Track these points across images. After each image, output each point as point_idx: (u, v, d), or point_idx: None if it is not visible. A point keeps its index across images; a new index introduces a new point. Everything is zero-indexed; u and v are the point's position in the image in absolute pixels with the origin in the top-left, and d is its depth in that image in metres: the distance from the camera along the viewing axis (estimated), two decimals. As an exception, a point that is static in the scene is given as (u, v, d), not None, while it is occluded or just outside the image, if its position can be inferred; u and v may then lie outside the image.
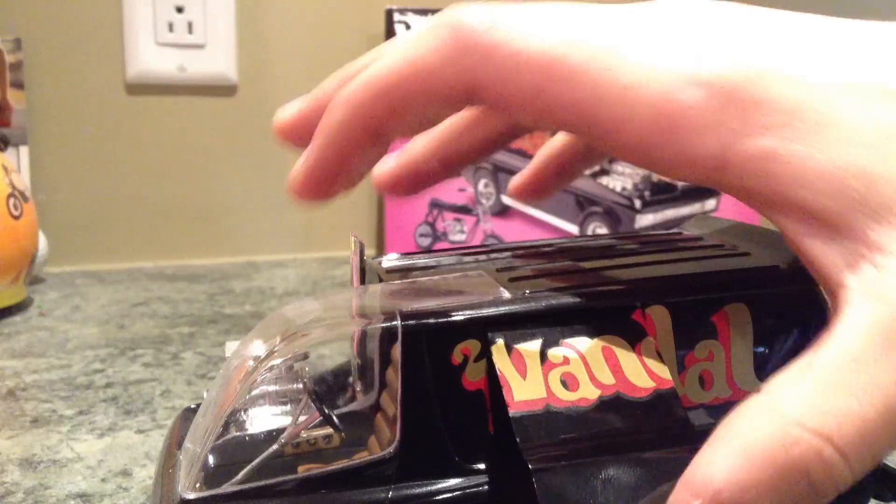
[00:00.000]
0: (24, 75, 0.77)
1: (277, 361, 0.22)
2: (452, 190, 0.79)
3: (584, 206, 0.78)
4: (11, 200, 0.59)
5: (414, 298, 0.22)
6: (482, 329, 0.21)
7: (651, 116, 0.18)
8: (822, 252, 0.17)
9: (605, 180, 0.77)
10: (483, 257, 0.27)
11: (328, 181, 0.22)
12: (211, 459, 0.23)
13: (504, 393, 0.21)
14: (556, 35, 0.18)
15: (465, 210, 0.79)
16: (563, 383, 0.21)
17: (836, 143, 0.17)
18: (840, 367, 0.16)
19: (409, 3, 0.81)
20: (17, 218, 0.59)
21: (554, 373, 0.21)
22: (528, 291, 0.22)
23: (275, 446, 0.23)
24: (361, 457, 0.22)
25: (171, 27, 0.80)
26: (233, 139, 0.84)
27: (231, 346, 0.25)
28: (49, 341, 0.54)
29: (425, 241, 0.79)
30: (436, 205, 0.79)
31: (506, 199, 0.79)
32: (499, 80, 0.19)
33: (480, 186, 0.79)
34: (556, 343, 0.22)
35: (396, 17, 0.80)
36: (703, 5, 0.19)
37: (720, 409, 0.23)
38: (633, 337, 0.22)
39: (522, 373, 0.21)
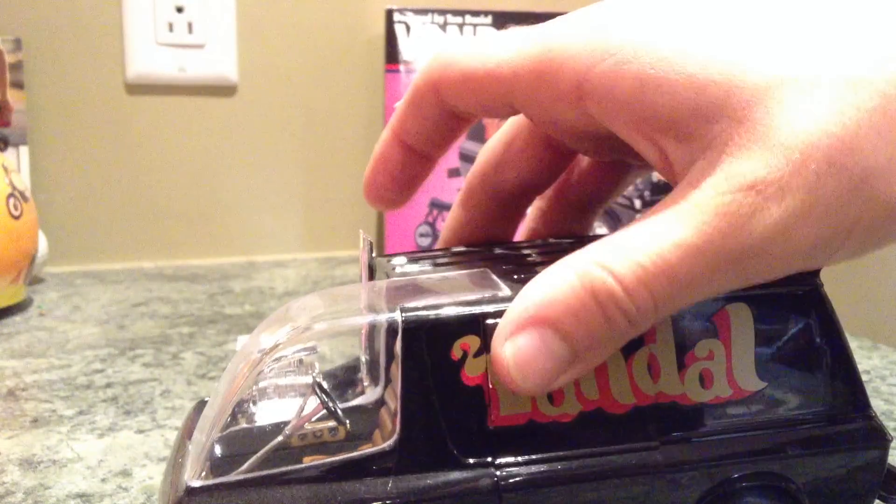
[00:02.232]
0: (24, 75, 0.77)
1: (285, 353, 0.23)
2: (452, 190, 0.79)
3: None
4: (11, 200, 0.59)
5: (416, 294, 0.23)
6: (481, 325, 0.22)
7: (532, 65, 0.22)
8: (672, 152, 0.20)
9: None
10: (489, 255, 0.27)
11: (378, 184, 0.27)
12: (218, 449, 0.23)
13: (490, 408, 0.22)
14: (482, 41, 0.24)
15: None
16: (550, 398, 0.22)
17: (672, 58, 0.20)
18: (644, 224, 0.19)
19: (409, 3, 0.81)
20: (17, 218, 0.59)
21: None
22: None
23: (280, 437, 0.23)
24: (365, 449, 0.22)
25: (171, 27, 0.80)
26: (233, 139, 0.84)
27: (242, 340, 0.25)
28: (49, 341, 0.54)
29: (425, 241, 0.79)
30: (436, 205, 0.79)
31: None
32: (446, 74, 0.24)
33: (480, 186, 0.79)
34: None
35: (396, 17, 0.80)
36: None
37: (721, 408, 0.23)
38: (630, 345, 0.22)
39: None
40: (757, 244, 0.18)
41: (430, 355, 0.22)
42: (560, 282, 0.19)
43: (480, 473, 0.21)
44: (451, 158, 0.80)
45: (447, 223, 0.30)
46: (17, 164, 0.76)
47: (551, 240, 0.30)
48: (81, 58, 0.79)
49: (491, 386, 0.22)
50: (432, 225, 0.79)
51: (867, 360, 0.49)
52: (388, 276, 0.25)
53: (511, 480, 0.22)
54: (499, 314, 0.22)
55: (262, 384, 0.25)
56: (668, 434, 0.23)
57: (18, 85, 0.77)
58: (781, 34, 0.20)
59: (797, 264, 0.20)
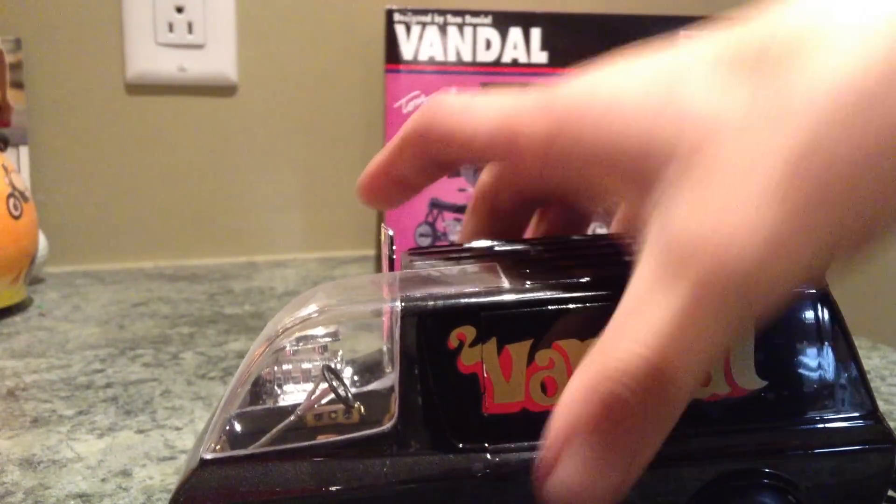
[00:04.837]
0: (24, 75, 0.77)
1: (289, 339, 0.25)
2: (452, 190, 0.79)
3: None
4: (11, 200, 0.59)
5: (421, 286, 0.24)
6: (477, 316, 0.23)
7: (497, 127, 0.24)
8: (634, 205, 0.21)
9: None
10: (504, 250, 0.28)
11: (373, 188, 0.29)
12: (237, 426, 0.25)
13: (484, 396, 0.23)
14: (465, 97, 0.26)
15: (465, 210, 0.79)
16: (543, 387, 0.23)
17: (618, 120, 0.21)
18: (628, 306, 0.19)
19: (409, 3, 0.81)
20: (17, 218, 0.59)
21: (536, 377, 0.23)
22: (527, 283, 0.23)
23: (292, 417, 0.25)
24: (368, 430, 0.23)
25: (171, 27, 0.80)
26: (233, 139, 0.84)
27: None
28: (49, 341, 0.54)
29: (425, 242, 0.79)
30: (436, 205, 0.79)
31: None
32: (433, 128, 0.26)
33: (480, 186, 0.79)
34: (546, 345, 0.23)
35: (397, 17, 0.80)
36: None
37: (717, 405, 0.23)
38: None
39: (507, 375, 0.23)
40: (746, 276, 0.18)
41: (427, 343, 0.23)
42: (586, 393, 0.19)
43: (474, 458, 0.22)
44: (451, 158, 0.79)
45: (463, 226, 0.33)
46: (17, 164, 0.76)
47: (574, 237, 0.30)
48: (81, 58, 0.79)
49: (485, 375, 0.23)
50: (432, 225, 0.79)
51: (867, 360, 0.49)
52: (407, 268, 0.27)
53: (504, 466, 0.22)
54: (494, 306, 0.23)
55: (285, 367, 0.27)
56: None
57: (18, 85, 0.77)
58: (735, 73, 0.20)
59: (801, 277, 0.19)
